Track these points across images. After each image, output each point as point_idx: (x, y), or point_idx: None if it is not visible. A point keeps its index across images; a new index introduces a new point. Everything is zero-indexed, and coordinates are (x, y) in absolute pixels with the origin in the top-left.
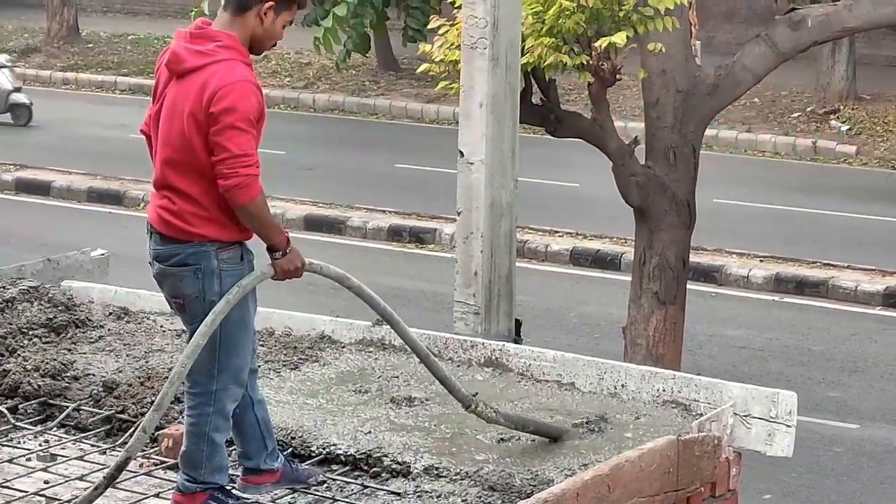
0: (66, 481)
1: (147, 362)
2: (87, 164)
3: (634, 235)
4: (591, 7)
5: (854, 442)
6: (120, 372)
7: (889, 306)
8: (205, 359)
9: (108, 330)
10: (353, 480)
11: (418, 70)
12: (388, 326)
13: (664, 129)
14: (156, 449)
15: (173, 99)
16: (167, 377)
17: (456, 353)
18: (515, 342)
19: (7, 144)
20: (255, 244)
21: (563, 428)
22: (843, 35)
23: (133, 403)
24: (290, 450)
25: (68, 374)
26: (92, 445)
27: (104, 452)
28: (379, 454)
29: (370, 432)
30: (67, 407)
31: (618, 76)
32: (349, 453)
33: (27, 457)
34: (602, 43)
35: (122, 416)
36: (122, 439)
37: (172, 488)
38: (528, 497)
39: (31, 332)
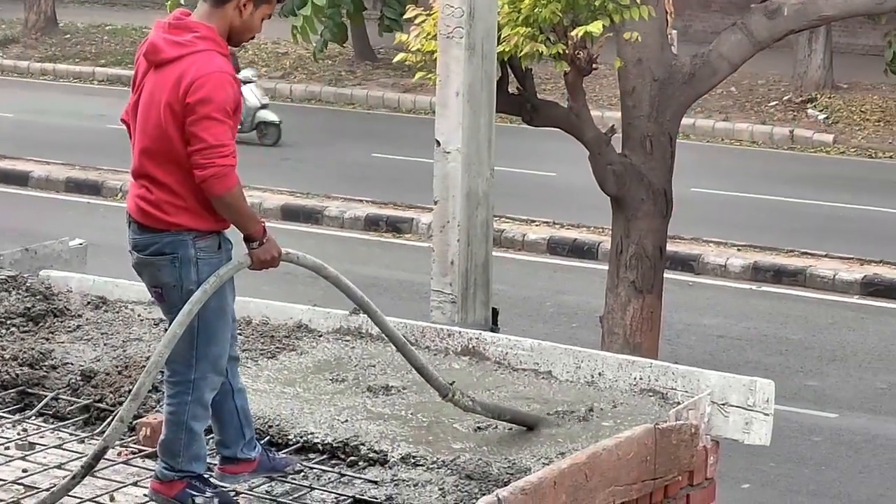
0: (45, 470)
1: (125, 351)
2: (65, 155)
3: (611, 224)
4: None
5: (832, 431)
6: (98, 361)
7: (867, 295)
8: (183, 348)
9: (86, 319)
10: (330, 469)
11: (395, 60)
12: (366, 316)
13: (640, 118)
14: (133, 438)
15: (151, 89)
16: (145, 366)
17: (433, 341)
18: (492, 331)
19: None
20: (234, 233)
21: (540, 416)
22: (820, 23)
23: (111, 392)
24: (267, 438)
25: (46, 364)
26: (70, 434)
27: (82, 441)
28: (356, 443)
29: (347, 421)
30: (46, 396)
31: (594, 65)
32: (326, 442)
33: (5, 445)
34: (578, 32)
35: (100, 405)
36: (100, 428)
37: (150, 476)
38: (506, 485)
39: (8, 322)
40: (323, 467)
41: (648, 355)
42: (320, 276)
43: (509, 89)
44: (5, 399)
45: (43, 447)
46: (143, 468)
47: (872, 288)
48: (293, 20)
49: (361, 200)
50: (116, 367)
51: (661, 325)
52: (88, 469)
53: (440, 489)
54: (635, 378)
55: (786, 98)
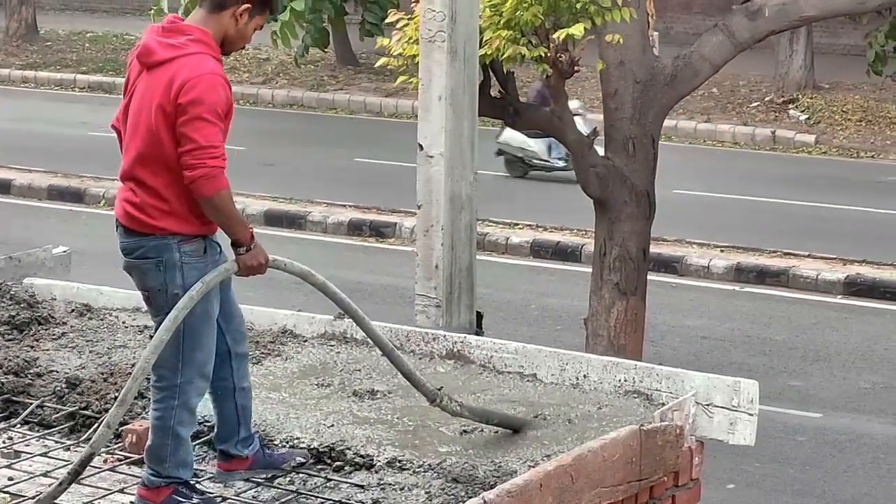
0: (31, 478)
1: (110, 358)
2: (47, 162)
3: (595, 227)
4: None
5: (816, 431)
6: (83, 368)
7: (850, 295)
8: (169, 352)
9: (71, 326)
10: (316, 474)
11: (377, 64)
12: (350, 320)
13: (623, 120)
14: (119, 444)
15: (143, 91)
16: (130, 373)
17: (418, 345)
18: (477, 334)
19: None
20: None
21: (527, 420)
22: (801, 24)
23: (96, 400)
24: None
25: (31, 371)
26: (56, 442)
27: (68, 449)
28: (342, 447)
29: (333, 425)
30: (31, 404)
31: (576, 68)
32: (312, 447)
33: None
34: (560, 35)
35: (85, 412)
36: (85, 435)
37: (137, 483)
38: (492, 488)
39: None
40: (309, 472)
41: (633, 357)
42: (307, 283)
43: (491, 93)
44: None
45: (28, 455)
46: (130, 475)
47: (855, 288)
48: (272, 25)
49: (344, 205)
50: (102, 374)
51: (645, 327)
52: (75, 475)
53: (426, 493)
54: (620, 380)
55: (767, 99)
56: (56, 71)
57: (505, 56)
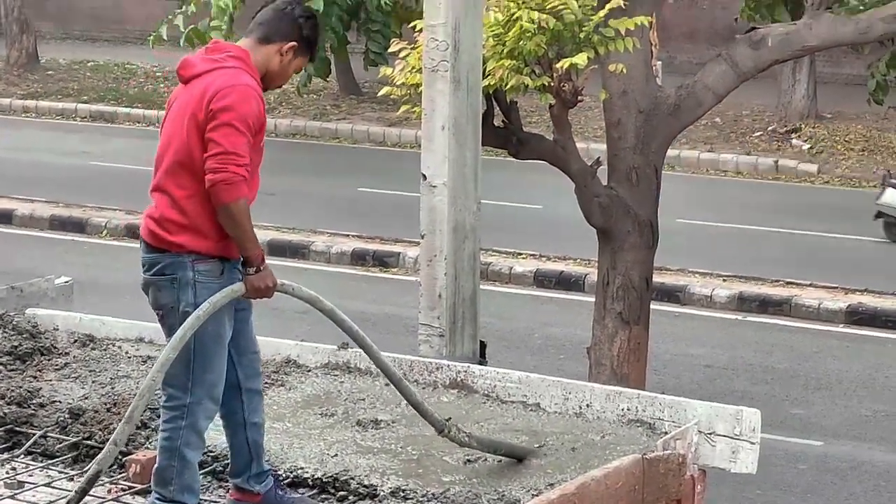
0: None
1: (113, 388)
2: (48, 192)
3: (598, 256)
4: (552, 29)
5: (818, 459)
6: (86, 398)
7: (851, 323)
8: (179, 371)
9: (74, 357)
10: None
11: (380, 93)
12: (357, 350)
13: (626, 150)
14: (124, 474)
15: (179, 104)
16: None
17: (421, 375)
18: (480, 364)
19: None
20: None
21: (533, 449)
22: (804, 54)
23: (100, 430)
24: None
25: (34, 402)
26: (59, 472)
27: (71, 479)
28: (346, 477)
29: (337, 455)
30: (34, 434)
31: (579, 97)
32: (316, 476)
33: None
34: (563, 64)
35: (88, 442)
36: (89, 466)
37: None
38: None
39: None
40: (313, 502)
41: (636, 386)
42: (315, 309)
43: (495, 122)
44: None
45: (32, 486)
46: None
47: (857, 317)
48: None
49: (348, 235)
50: (105, 404)
51: (648, 356)
52: (82, 494)
53: None
54: (623, 409)
55: (770, 128)
56: (57, 100)
57: (508, 86)
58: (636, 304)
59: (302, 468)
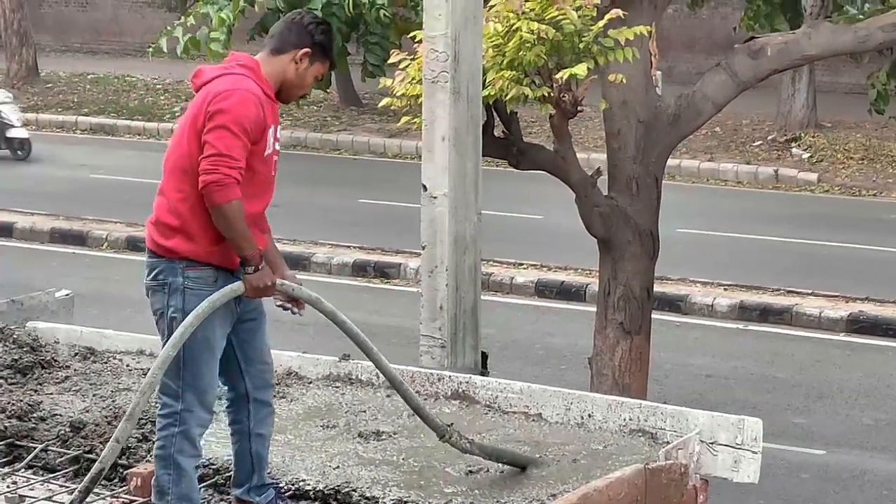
0: None
1: (114, 402)
2: (49, 205)
3: (599, 266)
4: (552, 39)
5: (820, 468)
6: (87, 412)
7: (852, 332)
8: (170, 379)
9: (75, 370)
10: None
11: (380, 105)
12: (359, 362)
13: (626, 160)
14: (125, 488)
15: (188, 109)
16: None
17: (423, 386)
18: (482, 375)
19: None
20: None
21: (535, 458)
22: (803, 63)
23: (101, 443)
24: None
25: (35, 415)
26: (60, 486)
27: (72, 493)
28: (348, 489)
29: (338, 467)
30: (35, 448)
31: (579, 108)
32: (318, 489)
33: None
34: (563, 75)
35: (89, 455)
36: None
37: None
38: None
39: None
40: None
41: (637, 396)
42: (316, 310)
43: (495, 133)
44: None
45: (33, 499)
46: None
47: (858, 325)
48: None
49: (349, 246)
50: (106, 417)
51: (649, 366)
52: (86, 493)
53: None
54: (625, 419)
55: (770, 137)
56: (57, 113)
57: (508, 96)
58: (637, 313)
59: (304, 480)
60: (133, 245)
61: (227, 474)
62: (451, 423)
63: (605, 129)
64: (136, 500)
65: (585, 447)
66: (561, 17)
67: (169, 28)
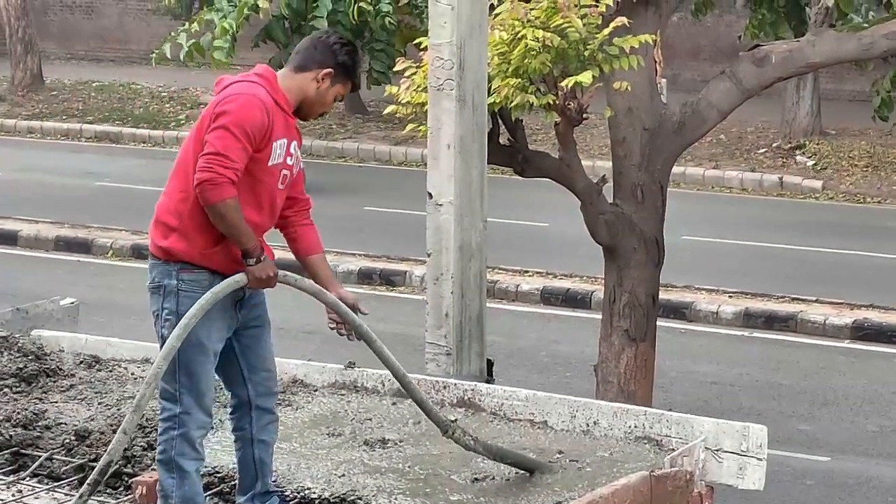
0: None
1: (119, 410)
2: (54, 213)
3: (604, 274)
4: (557, 47)
5: (825, 474)
6: (92, 420)
7: (857, 339)
8: (168, 382)
9: (80, 378)
10: None
11: (385, 112)
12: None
13: (631, 168)
14: (130, 497)
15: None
16: (141, 425)
17: (428, 393)
18: (487, 382)
19: None
20: None
21: (540, 462)
22: (807, 71)
23: (106, 451)
24: None
25: (40, 424)
26: (66, 494)
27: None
28: (353, 497)
29: (344, 475)
30: (40, 456)
31: (584, 115)
32: (324, 497)
33: None
34: (568, 82)
35: (94, 464)
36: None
37: None
38: None
39: (1, 383)
40: None
41: (643, 403)
42: (318, 301)
43: (500, 140)
44: None
45: None
46: None
47: (862, 332)
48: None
49: (354, 254)
50: (111, 425)
51: (654, 373)
52: (95, 486)
53: None
54: (630, 426)
55: (774, 145)
56: (62, 121)
57: (514, 104)
58: (642, 321)
59: (309, 488)
60: (138, 253)
61: (233, 483)
62: (455, 419)
63: (611, 136)
64: None
65: (591, 454)
66: (566, 25)
67: (173, 34)
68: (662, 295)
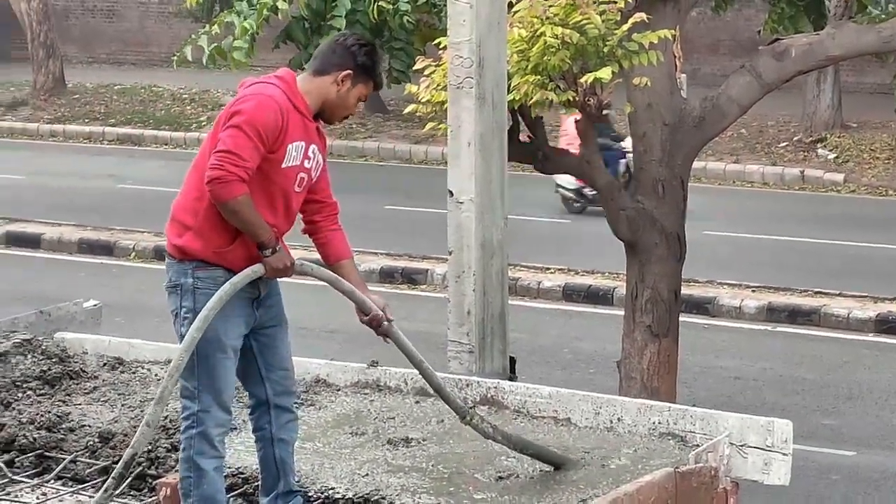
0: None
1: (142, 411)
2: (76, 216)
3: (626, 269)
4: (576, 43)
5: (850, 469)
6: (116, 422)
7: (881, 332)
8: (187, 380)
9: (103, 380)
10: None
11: (405, 111)
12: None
13: (652, 163)
14: (154, 498)
15: None
16: (163, 426)
17: (451, 392)
18: (510, 379)
19: None
20: None
21: (563, 455)
22: (828, 64)
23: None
24: None
25: (64, 426)
26: (89, 497)
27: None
28: (377, 497)
29: (368, 475)
30: (64, 459)
31: (604, 111)
32: (347, 496)
33: None
34: (588, 79)
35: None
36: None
37: None
38: None
39: (25, 385)
40: None
41: (666, 399)
42: (335, 289)
43: (520, 137)
44: (23, 463)
45: None
46: None
47: (886, 325)
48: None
49: (376, 253)
50: (135, 427)
51: (677, 369)
52: (120, 479)
53: None
54: (654, 422)
55: (795, 139)
56: (84, 124)
57: (533, 101)
58: (665, 316)
59: (333, 488)
60: (160, 255)
61: (256, 483)
62: (473, 406)
63: (631, 132)
64: None
65: (615, 451)
66: (585, 21)
67: (194, 37)
68: (685, 290)
